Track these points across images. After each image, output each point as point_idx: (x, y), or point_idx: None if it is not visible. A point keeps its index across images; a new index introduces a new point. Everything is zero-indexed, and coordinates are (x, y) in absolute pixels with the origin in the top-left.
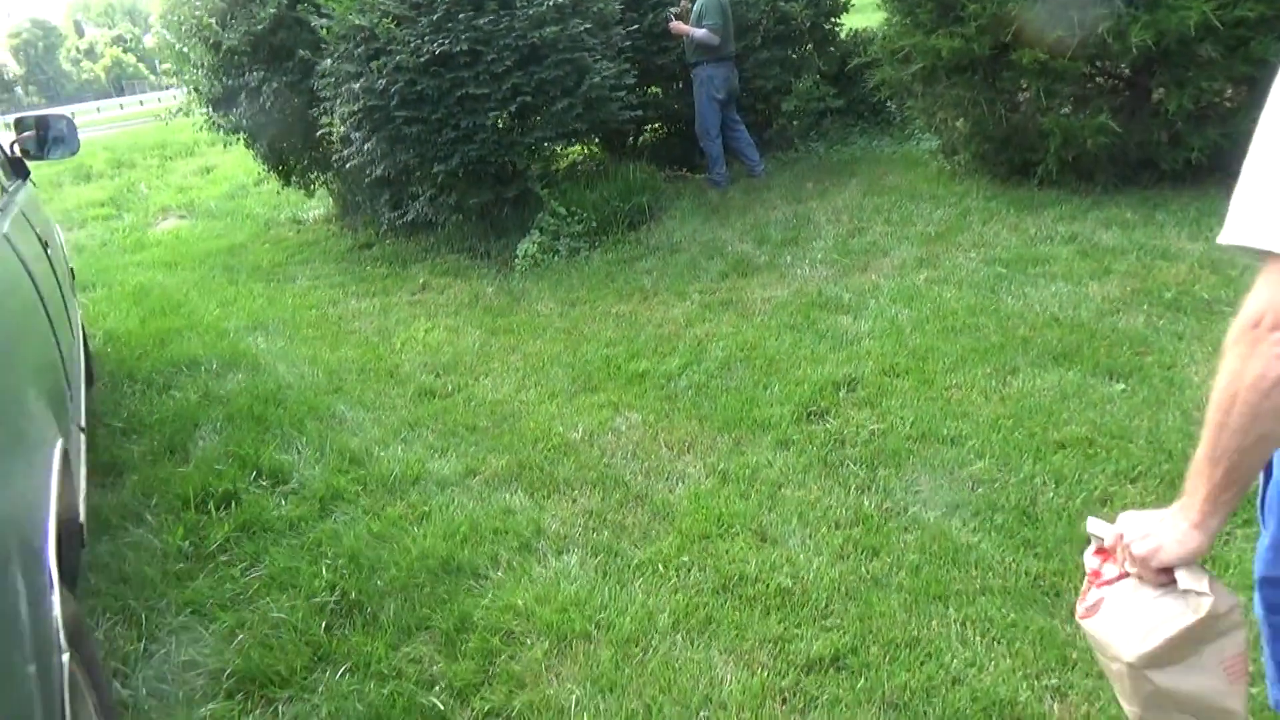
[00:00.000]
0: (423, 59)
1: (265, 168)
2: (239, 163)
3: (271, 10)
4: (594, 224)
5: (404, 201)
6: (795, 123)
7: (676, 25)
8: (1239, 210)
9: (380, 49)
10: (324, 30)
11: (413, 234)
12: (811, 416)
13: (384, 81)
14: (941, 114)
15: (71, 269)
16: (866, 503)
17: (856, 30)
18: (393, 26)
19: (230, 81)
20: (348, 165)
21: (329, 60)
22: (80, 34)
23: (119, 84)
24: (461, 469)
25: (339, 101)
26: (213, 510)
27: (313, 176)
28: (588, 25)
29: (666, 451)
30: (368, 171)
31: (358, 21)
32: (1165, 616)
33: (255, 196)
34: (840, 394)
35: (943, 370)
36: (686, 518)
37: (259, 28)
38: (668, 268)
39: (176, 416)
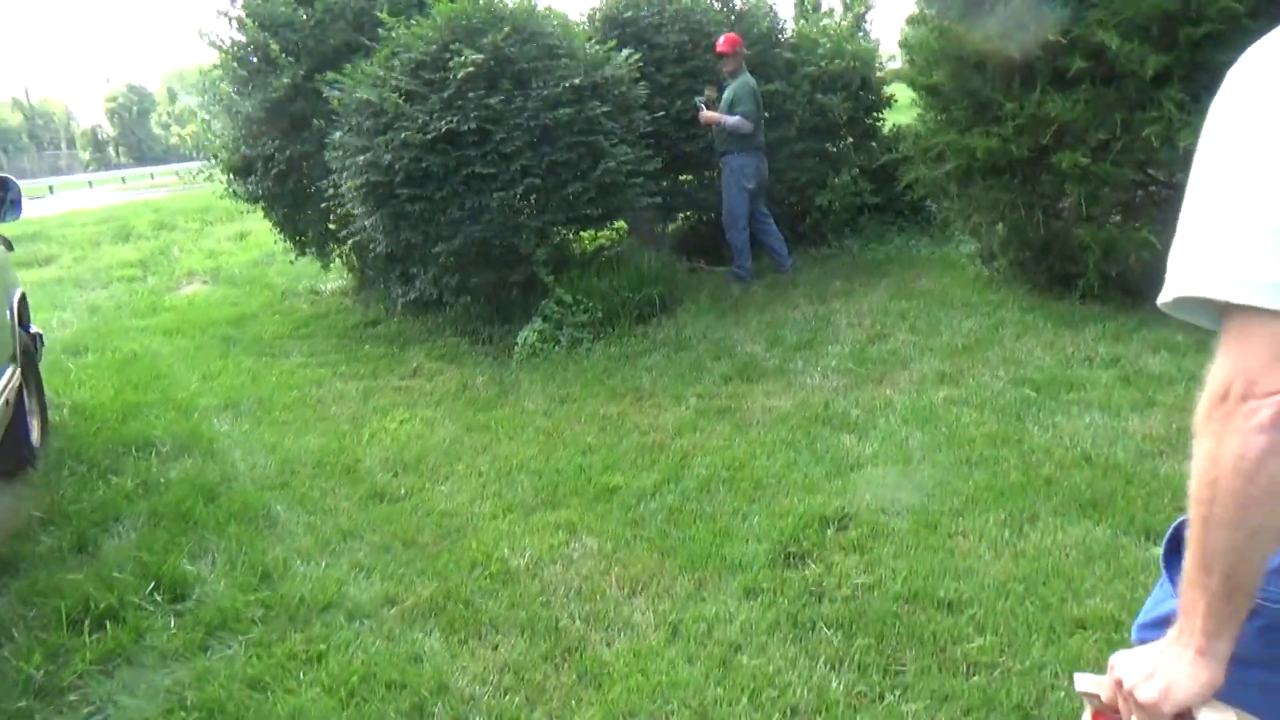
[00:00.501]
0: (429, 136)
1: (282, 237)
2: (272, 230)
3: (286, 80)
4: (600, 314)
5: (411, 279)
6: (830, 218)
7: (707, 115)
8: (1185, 260)
9: (388, 123)
10: (334, 101)
11: (420, 313)
12: (790, 559)
13: (389, 157)
14: (977, 217)
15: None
16: (835, 683)
17: (899, 126)
18: (401, 102)
19: (248, 150)
20: (353, 240)
21: (339, 132)
22: (173, 100)
23: (200, 149)
24: (381, 596)
25: (346, 175)
26: (87, 631)
27: (330, 248)
28: (606, 108)
29: (616, 591)
30: (371, 248)
31: (366, 96)
32: None
33: (280, 265)
34: (828, 532)
35: (950, 512)
36: (619, 685)
37: (274, 95)
38: (669, 366)
39: (100, 508)
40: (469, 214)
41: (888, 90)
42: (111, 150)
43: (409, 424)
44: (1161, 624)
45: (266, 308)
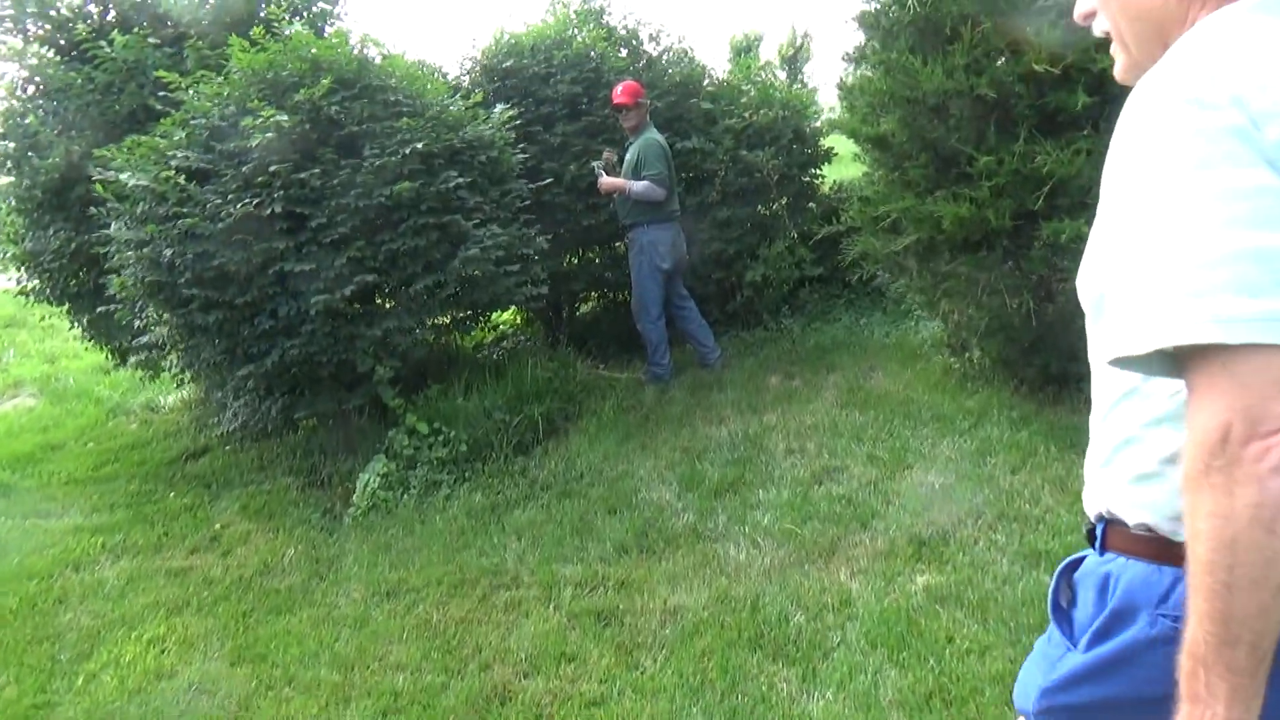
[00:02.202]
0: (222, 224)
1: (94, 346)
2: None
3: (57, 159)
4: (465, 446)
5: (224, 405)
6: (764, 294)
7: (607, 181)
8: (1133, 316)
9: (170, 211)
10: (100, 187)
11: (258, 438)
12: None
13: (169, 252)
14: (947, 303)
15: None
16: None
17: (840, 182)
18: (184, 183)
19: (33, 243)
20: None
21: (114, 222)
22: None
23: None
24: None
25: (126, 273)
26: None
27: (154, 355)
28: (467, 179)
29: None
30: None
31: (137, 181)
32: None
33: (129, 372)
34: None
35: None
36: None
37: (42, 178)
38: (547, 527)
39: None
40: (284, 325)
41: (824, 142)
42: None
43: (156, 650)
44: (1072, 682)
45: (83, 432)
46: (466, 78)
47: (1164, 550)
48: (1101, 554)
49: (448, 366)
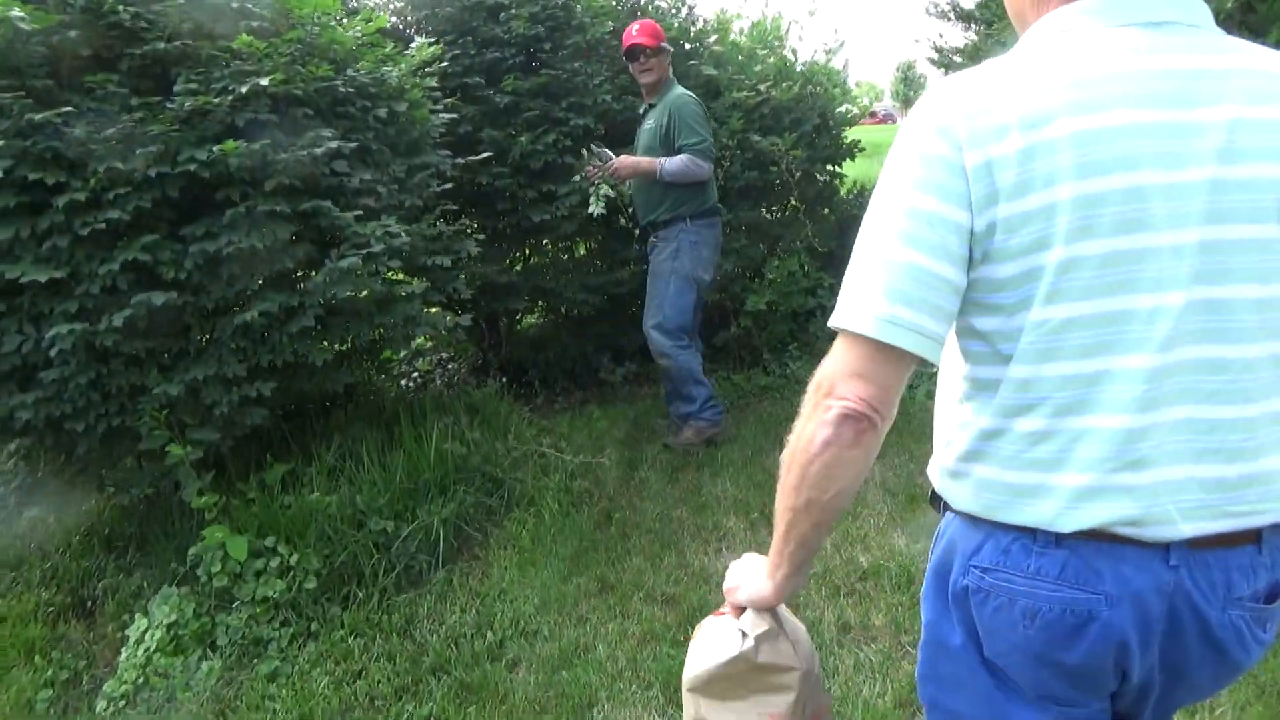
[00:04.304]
0: None
1: None
2: None
3: None
4: (315, 577)
5: None
6: (768, 327)
7: (626, 160)
8: (841, 296)
9: None
10: None
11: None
12: None
13: None
14: None
15: None
16: None
17: (860, 185)
18: None
19: None
20: None
21: None
22: None
23: None
24: None
25: None
26: None
27: None
28: (353, 143)
29: None
30: None
31: None
32: (717, 649)
33: None
34: None
35: None
36: None
37: None
38: None
39: None
40: (10, 369)
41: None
42: None
43: None
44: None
45: None
46: (395, 18)
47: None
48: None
49: (303, 429)
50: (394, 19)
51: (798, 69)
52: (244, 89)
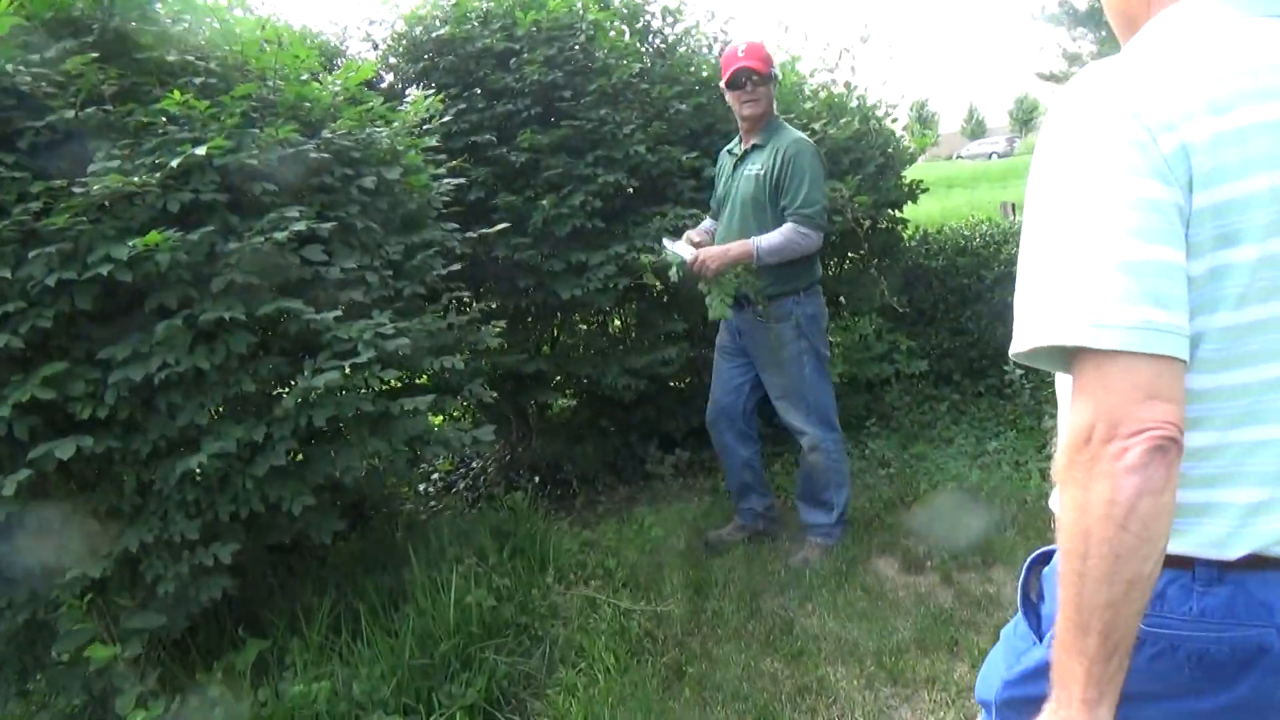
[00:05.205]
0: None
1: None
2: None
3: None
4: None
5: None
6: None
7: (711, 254)
8: (1036, 308)
9: None
10: None
11: None
12: None
13: None
14: None
15: None
16: None
17: (926, 230)
18: None
19: None
20: None
21: None
22: None
23: None
24: None
25: None
26: None
27: None
28: (331, 222)
29: None
30: None
31: None
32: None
33: None
34: None
35: None
36: None
37: None
38: None
39: None
40: None
41: (907, 173)
42: None
43: None
44: (1035, 675)
45: None
46: (374, 52)
47: None
48: None
49: (289, 575)
50: (387, 74)
51: (851, 103)
52: (174, 162)
